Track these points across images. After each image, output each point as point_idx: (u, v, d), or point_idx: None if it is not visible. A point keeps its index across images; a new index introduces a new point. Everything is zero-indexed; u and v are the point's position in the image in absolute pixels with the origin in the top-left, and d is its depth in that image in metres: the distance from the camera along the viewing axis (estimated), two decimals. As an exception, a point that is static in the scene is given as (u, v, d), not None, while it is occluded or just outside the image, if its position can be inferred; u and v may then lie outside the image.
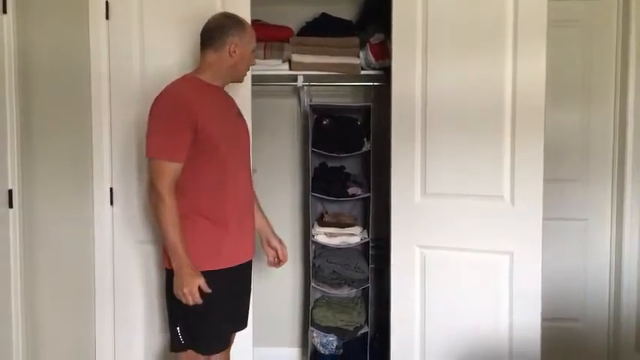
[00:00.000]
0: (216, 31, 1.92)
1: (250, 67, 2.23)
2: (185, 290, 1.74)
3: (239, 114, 2.07)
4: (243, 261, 1.99)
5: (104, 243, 2.38)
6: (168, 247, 1.78)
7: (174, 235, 1.75)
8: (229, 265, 1.91)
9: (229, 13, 2.03)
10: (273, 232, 2.18)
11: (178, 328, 1.88)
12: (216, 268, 1.86)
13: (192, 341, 1.88)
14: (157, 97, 1.85)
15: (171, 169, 1.77)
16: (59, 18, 2.20)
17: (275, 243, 2.15)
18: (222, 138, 1.87)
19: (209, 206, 1.87)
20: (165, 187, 1.76)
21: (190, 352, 1.89)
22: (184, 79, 1.92)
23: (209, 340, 1.89)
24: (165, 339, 2.37)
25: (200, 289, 1.76)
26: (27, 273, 1.90)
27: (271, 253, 2.17)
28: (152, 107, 1.84)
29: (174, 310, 1.89)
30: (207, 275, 1.79)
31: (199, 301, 1.76)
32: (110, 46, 2.34)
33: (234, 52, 1.91)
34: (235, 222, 1.92)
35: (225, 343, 1.95)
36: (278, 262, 2.17)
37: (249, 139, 2.11)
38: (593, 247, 2.92)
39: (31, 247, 1.93)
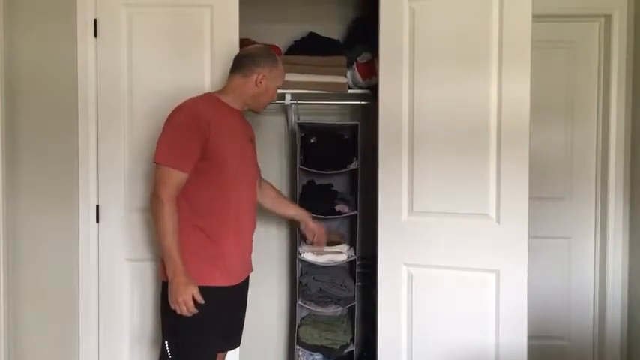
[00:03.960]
0: (247, 58, 1.98)
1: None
2: (179, 299, 1.73)
3: (252, 140, 2.12)
4: (240, 281, 1.99)
5: (89, 261, 2.36)
6: (164, 253, 1.77)
7: (170, 241, 1.75)
8: (226, 284, 1.90)
9: (268, 47, 2.09)
10: (310, 217, 2.33)
11: (166, 342, 1.86)
12: (213, 285, 1.84)
13: (180, 358, 1.85)
14: (176, 107, 1.88)
15: (175, 177, 1.78)
16: (47, 36, 2.21)
17: (312, 226, 2.30)
18: (231, 157, 1.90)
19: (210, 222, 1.87)
20: (167, 193, 1.76)
21: None
22: (205, 96, 1.98)
23: (196, 357, 1.86)
24: (151, 358, 2.35)
25: (194, 299, 1.74)
26: (10, 289, 1.88)
27: (310, 234, 2.32)
28: (169, 116, 1.86)
29: (165, 323, 1.88)
30: (203, 291, 1.77)
31: (194, 310, 1.74)
32: (98, 63, 2.34)
33: (260, 82, 1.95)
34: (234, 241, 1.93)
35: None
36: (314, 238, 2.32)
37: (257, 166, 2.17)
38: (577, 264, 2.94)
39: (15, 263, 1.91)
